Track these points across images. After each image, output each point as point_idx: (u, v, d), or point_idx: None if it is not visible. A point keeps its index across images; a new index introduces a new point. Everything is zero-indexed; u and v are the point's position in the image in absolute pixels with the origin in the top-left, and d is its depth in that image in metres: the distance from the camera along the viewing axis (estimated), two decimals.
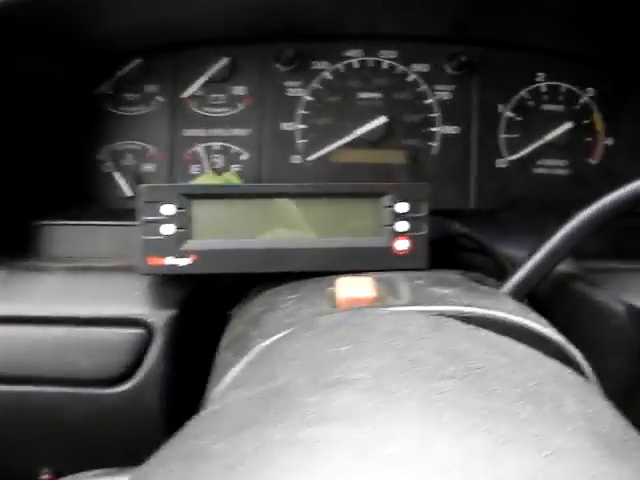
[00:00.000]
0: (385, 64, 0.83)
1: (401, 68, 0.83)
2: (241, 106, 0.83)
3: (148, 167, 0.83)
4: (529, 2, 0.74)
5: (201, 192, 0.61)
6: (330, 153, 0.83)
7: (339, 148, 0.82)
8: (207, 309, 0.63)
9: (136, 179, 0.81)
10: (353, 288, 0.55)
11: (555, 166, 0.84)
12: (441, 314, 0.52)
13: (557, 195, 0.83)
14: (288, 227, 0.70)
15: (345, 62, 0.83)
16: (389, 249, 0.69)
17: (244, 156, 0.83)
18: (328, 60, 0.83)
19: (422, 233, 0.70)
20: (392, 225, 0.69)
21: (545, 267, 0.66)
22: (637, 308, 0.69)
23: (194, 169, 0.83)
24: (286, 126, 0.83)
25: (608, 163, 0.84)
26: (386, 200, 0.70)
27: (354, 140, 0.82)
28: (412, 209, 0.70)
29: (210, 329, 0.57)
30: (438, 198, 0.81)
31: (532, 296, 0.72)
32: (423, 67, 0.83)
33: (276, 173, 0.83)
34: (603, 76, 0.84)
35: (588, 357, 0.73)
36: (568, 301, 0.72)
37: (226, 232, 0.63)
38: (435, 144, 0.83)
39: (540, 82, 0.83)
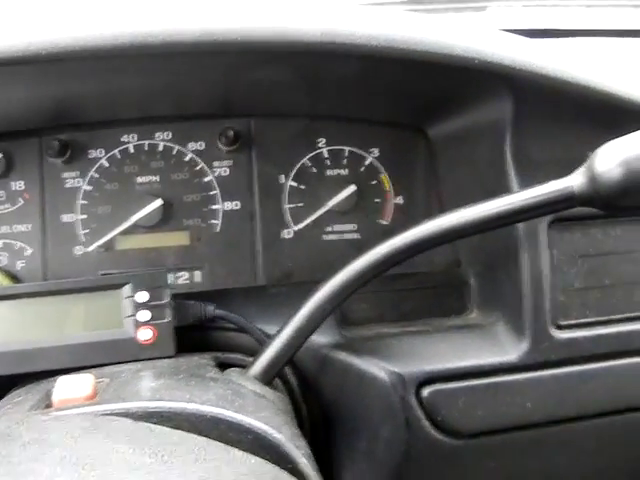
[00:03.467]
0: (161, 146, 0.82)
1: (177, 148, 0.81)
2: (21, 201, 0.82)
3: None
4: (300, 76, 0.73)
5: None
6: (111, 241, 0.81)
7: (120, 235, 0.81)
8: None
9: None
10: (69, 388, 0.54)
11: (344, 231, 0.82)
12: (126, 411, 0.51)
13: (351, 260, 0.81)
14: (33, 326, 0.69)
15: (121, 148, 0.82)
16: (132, 340, 0.68)
17: (28, 251, 0.81)
18: (103, 147, 0.82)
19: (165, 321, 0.69)
20: (134, 315, 0.68)
21: (292, 344, 0.64)
22: (400, 375, 0.67)
23: None
24: (66, 218, 0.81)
25: (400, 222, 0.82)
26: (126, 290, 0.69)
27: (133, 226, 0.80)
28: (152, 297, 0.68)
29: None
30: (225, 276, 0.79)
31: (298, 370, 0.69)
32: (198, 145, 0.81)
33: (61, 266, 0.81)
34: (387, 136, 0.83)
35: (359, 427, 0.70)
36: (334, 372, 0.69)
37: None
38: (217, 221, 0.81)
39: (321, 148, 0.82)
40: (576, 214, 0.63)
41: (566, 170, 0.57)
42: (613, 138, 0.54)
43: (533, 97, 0.67)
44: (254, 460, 0.47)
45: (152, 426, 0.49)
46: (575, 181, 0.56)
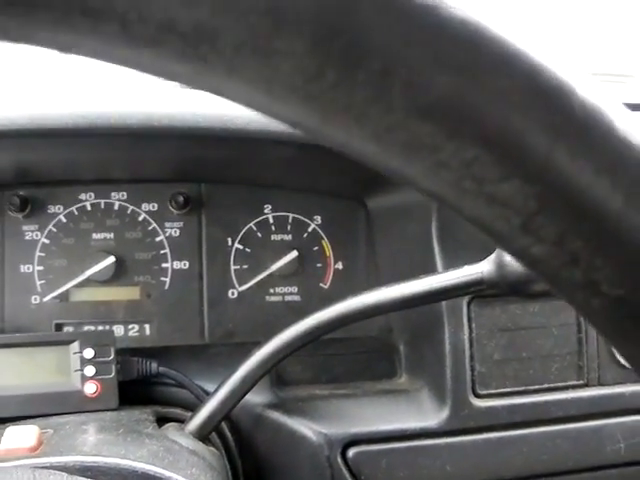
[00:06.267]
0: (116, 205, 0.86)
1: (131, 208, 0.86)
2: None
3: None
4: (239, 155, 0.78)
5: None
6: (66, 293, 0.85)
7: (75, 287, 0.85)
8: None
9: None
10: (15, 438, 0.59)
11: (286, 293, 0.87)
12: (64, 465, 0.56)
13: (291, 321, 0.85)
14: None
15: (78, 205, 0.86)
16: (79, 392, 0.72)
17: None
18: (62, 204, 0.86)
19: (110, 376, 0.73)
20: (81, 370, 0.72)
21: (228, 402, 0.68)
22: (326, 435, 0.71)
23: None
24: (24, 268, 0.85)
25: (339, 286, 0.87)
26: (75, 347, 0.73)
27: (87, 279, 0.84)
28: (98, 354, 0.72)
29: None
30: (172, 332, 0.83)
31: (234, 426, 0.73)
32: (151, 207, 0.86)
33: (18, 314, 0.84)
34: (329, 205, 0.88)
35: None
36: (268, 430, 0.74)
37: None
38: (167, 279, 0.85)
39: (267, 214, 0.87)
40: (495, 292, 0.68)
41: (488, 251, 0.62)
42: None
43: None
44: None
45: None
46: (484, 267, 0.61)
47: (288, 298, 0.87)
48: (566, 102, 0.19)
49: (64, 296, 0.85)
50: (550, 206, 0.20)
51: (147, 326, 0.85)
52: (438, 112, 0.19)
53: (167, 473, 0.58)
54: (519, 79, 0.19)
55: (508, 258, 0.59)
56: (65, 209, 0.86)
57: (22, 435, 0.58)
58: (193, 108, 0.70)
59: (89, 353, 0.73)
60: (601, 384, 0.79)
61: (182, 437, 0.67)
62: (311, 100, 0.19)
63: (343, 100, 0.19)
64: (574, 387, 0.78)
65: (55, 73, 0.89)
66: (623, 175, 0.20)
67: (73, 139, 0.72)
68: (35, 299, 0.85)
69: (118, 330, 0.85)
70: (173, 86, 0.74)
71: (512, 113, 0.19)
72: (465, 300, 0.74)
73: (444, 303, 0.74)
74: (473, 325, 0.75)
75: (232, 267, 0.86)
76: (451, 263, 0.65)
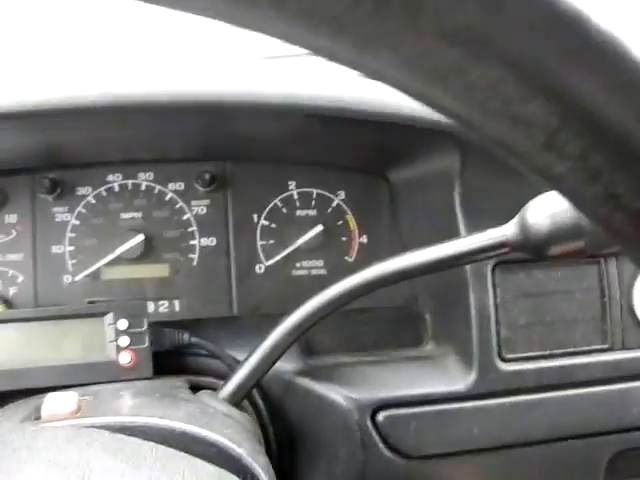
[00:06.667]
0: (143, 186, 0.88)
1: (158, 188, 0.88)
2: (14, 232, 0.88)
3: None
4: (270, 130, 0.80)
5: None
6: (97, 272, 0.87)
7: (105, 266, 0.87)
8: None
9: None
10: (56, 404, 0.61)
11: (312, 267, 0.88)
12: (104, 425, 0.58)
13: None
14: (25, 348, 0.76)
15: (106, 186, 0.88)
16: (114, 362, 0.74)
17: (20, 279, 0.87)
18: (91, 185, 0.88)
19: (144, 346, 0.75)
20: (116, 340, 0.74)
21: (259, 369, 0.70)
22: (356, 400, 0.72)
23: None
24: (56, 249, 0.87)
25: (363, 259, 0.88)
26: (109, 318, 0.75)
27: (117, 258, 0.86)
28: (132, 325, 0.75)
29: None
30: (201, 306, 0.86)
31: (265, 394, 0.75)
32: (178, 186, 0.88)
33: (50, 293, 0.87)
34: (352, 180, 0.89)
35: (320, 448, 0.76)
36: (298, 396, 0.75)
37: None
38: (195, 256, 0.87)
39: (292, 190, 0.89)
40: (519, 257, 0.70)
41: (510, 217, 0.64)
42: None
43: (478, 151, 0.74)
44: (214, 469, 0.53)
45: (126, 437, 0.55)
46: (508, 230, 0.62)
47: (314, 272, 0.88)
48: (583, 27, 0.20)
49: (95, 275, 0.88)
50: (571, 123, 0.22)
51: (177, 302, 0.88)
52: (465, 37, 0.20)
53: (204, 432, 0.60)
54: (540, 5, 0.20)
55: (531, 220, 0.60)
56: (94, 190, 0.89)
57: (62, 401, 0.61)
58: (217, 84, 0.72)
59: (123, 324, 0.75)
60: (625, 348, 0.80)
61: (216, 402, 0.68)
62: (348, 29, 0.21)
63: (378, 28, 0.20)
64: (598, 351, 0.79)
65: (80, 53, 0.92)
66: (637, 94, 0.21)
67: (101, 118, 0.74)
68: (67, 278, 0.88)
69: (149, 307, 0.87)
70: (198, 62, 0.76)
71: (534, 37, 0.20)
72: (489, 266, 0.75)
73: (468, 269, 0.76)
74: (498, 290, 0.76)
75: (258, 243, 0.88)
76: (474, 230, 0.66)
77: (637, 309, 0.80)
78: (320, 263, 0.88)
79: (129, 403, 0.65)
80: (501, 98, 0.21)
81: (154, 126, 0.78)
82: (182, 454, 0.54)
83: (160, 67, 0.79)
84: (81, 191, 0.89)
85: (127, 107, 0.70)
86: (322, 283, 0.86)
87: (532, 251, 0.61)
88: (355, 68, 0.23)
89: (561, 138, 0.22)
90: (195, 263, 0.88)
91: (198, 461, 0.53)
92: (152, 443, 0.55)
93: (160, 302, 0.87)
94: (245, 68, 0.79)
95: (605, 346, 0.79)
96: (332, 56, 0.23)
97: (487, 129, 0.23)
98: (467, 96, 0.22)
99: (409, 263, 0.66)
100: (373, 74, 0.23)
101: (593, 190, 0.23)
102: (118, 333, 0.75)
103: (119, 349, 0.75)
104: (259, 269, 0.88)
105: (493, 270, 0.76)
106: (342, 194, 0.89)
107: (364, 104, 0.69)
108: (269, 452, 0.73)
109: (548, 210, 0.59)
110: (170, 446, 0.55)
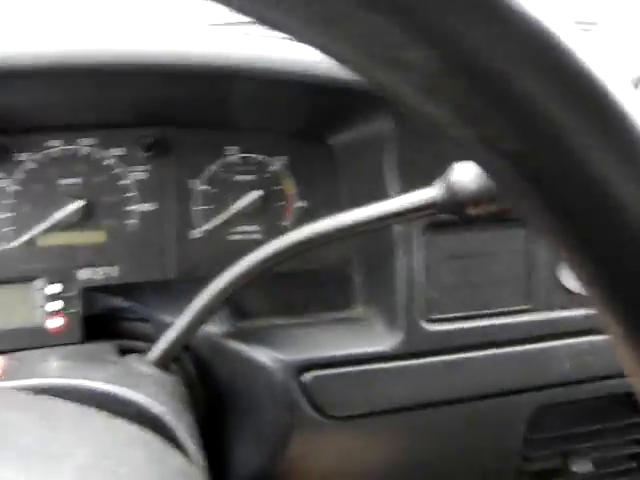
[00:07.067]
0: (83, 150, 0.89)
1: (98, 153, 0.89)
2: None
3: None
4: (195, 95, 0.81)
5: None
6: (33, 238, 0.87)
7: (42, 233, 0.87)
8: None
9: None
10: None
11: (249, 231, 0.89)
12: (26, 387, 0.59)
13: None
14: None
15: (46, 152, 0.89)
16: (42, 328, 0.75)
17: None
18: (30, 151, 0.89)
19: (74, 311, 0.76)
20: (45, 306, 0.75)
21: (186, 332, 0.71)
22: (282, 361, 0.74)
23: None
24: None
25: (299, 223, 0.89)
26: (38, 284, 0.76)
27: (57, 224, 0.87)
28: (62, 290, 0.75)
29: None
30: (137, 271, 0.87)
31: (195, 356, 0.77)
32: (120, 151, 0.89)
33: None
34: (291, 145, 0.90)
35: (248, 410, 0.78)
36: (226, 359, 0.77)
37: None
38: (132, 221, 0.88)
39: (232, 155, 0.90)
40: (449, 220, 0.71)
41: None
42: None
43: (411, 115, 0.75)
44: (133, 428, 0.55)
45: (47, 398, 0.57)
46: (436, 191, 0.63)
47: (250, 236, 0.89)
48: None
49: (31, 242, 0.88)
50: (449, 68, 0.22)
51: (113, 268, 0.88)
52: None
53: (125, 392, 0.62)
54: None
55: (455, 181, 0.62)
56: (33, 156, 0.89)
57: None
58: (157, 45, 0.72)
59: (51, 289, 0.76)
60: (548, 309, 0.82)
61: (142, 364, 0.70)
62: None
63: None
64: (522, 311, 0.81)
65: (16, 11, 0.91)
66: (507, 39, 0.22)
67: (39, 81, 0.74)
68: (2, 245, 0.88)
69: (85, 273, 0.87)
70: (138, 23, 0.76)
71: None
72: (418, 228, 0.77)
73: (397, 232, 0.77)
74: (426, 252, 0.78)
75: (196, 207, 0.89)
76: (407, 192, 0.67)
77: (561, 271, 0.81)
78: (256, 228, 0.90)
79: (54, 366, 0.67)
80: (383, 44, 0.22)
81: (95, 90, 0.78)
82: (102, 413, 0.56)
83: (102, 28, 0.79)
84: (20, 157, 0.89)
85: (66, 69, 0.70)
86: (257, 247, 0.88)
87: (457, 212, 0.62)
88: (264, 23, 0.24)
89: (440, 83, 0.23)
90: (132, 229, 0.89)
91: (117, 420, 0.55)
92: (73, 403, 0.57)
93: (97, 268, 0.88)
94: (187, 33, 0.79)
95: (529, 306, 0.81)
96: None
97: (374, 73, 0.24)
98: (352, 43, 0.22)
99: (337, 224, 0.67)
100: (273, 27, 0.24)
101: (475, 133, 0.23)
102: (46, 298, 0.76)
103: (47, 314, 0.76)
104: (196, 234, 0.89)
105: (424, 233, 0.77)
106: (282, 159, 0.90)
107: (297, 66, 0.70)
108: (198, 414, 0.74)
109: (472, 171, 0.61)
110: (92, 407, 0.57)
